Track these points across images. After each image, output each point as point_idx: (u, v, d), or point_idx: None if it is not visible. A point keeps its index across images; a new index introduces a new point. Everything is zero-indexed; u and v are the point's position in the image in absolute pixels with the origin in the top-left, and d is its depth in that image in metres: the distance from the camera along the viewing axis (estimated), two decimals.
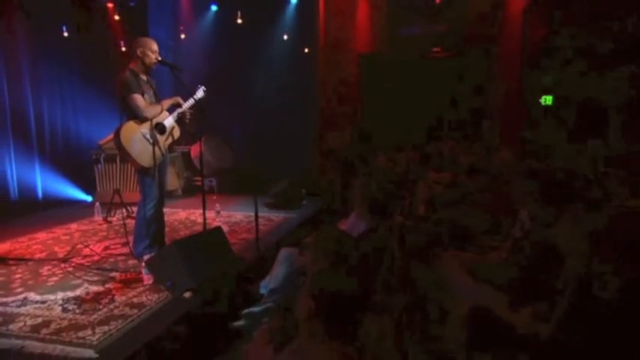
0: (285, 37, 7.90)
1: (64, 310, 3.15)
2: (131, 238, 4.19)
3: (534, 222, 2.56)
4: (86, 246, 4.56)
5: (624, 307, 1.42)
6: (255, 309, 2.90)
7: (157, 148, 3.88)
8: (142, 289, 3.51)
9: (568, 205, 2.08)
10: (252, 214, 4.34)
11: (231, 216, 5.95)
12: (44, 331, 2.84)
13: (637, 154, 4.81)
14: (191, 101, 4.13)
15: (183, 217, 6.00)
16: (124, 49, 7.04)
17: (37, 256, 4.36)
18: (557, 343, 1.51)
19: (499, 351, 1.75)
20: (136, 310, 3.14)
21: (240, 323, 2.88)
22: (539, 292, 1.87)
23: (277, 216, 6.02)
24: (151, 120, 3.89)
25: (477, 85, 7.02)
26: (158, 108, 3.98)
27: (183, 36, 8.18)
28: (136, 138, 3.84)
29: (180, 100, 4.12)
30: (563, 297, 1.59)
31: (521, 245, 2.48)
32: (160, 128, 3.99)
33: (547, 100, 6.41)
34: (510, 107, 6.81)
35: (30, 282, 3.68)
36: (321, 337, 1.56)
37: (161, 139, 3.98)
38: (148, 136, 3.87)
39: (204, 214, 4.16)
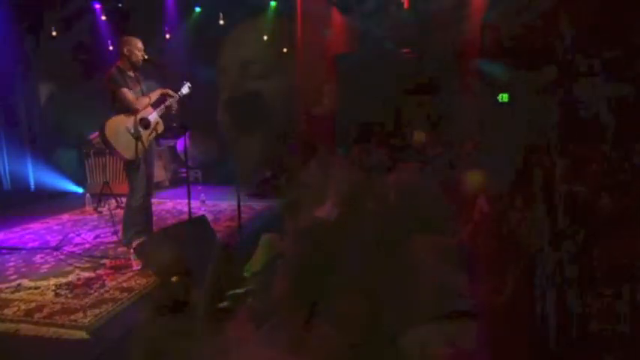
0: (265, 37, 7.82)
1: (57, 295, 3.10)
2: (120, 227, 4.13)
3: (492, 207, 2.61)
4: (77, 235, 4.48)
5: (563, 279, 1.47)
6: (239, 291, 2.89)
7: (140, 142, 3.80)
8: (131, 274, 3.47)
9: (521, 191, 2.13)
10: (236, 203, 4.32)
11: (215, 205, 5.91)
12: (38, 315, 2.79)
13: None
14: (176, 97, 4.06)
15: (170, 206, 5.93)
16: (111, 48, 6.90)
17: (30, 244, 4.27)
18: (509, 312, 1.56)
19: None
20: (125, 294, 3.10)
21: (224, 304, 2.88)
22: (495, 269, 1.92)
23: (259, 204, 5.99)
24: (136, 115, 3.82)
25: (443, 83, 7.09)
26: (146, 100, 3.90)
27: (168, 36, 8.03)
28: (120, 132, 3.76)
29: (170, 91, 4.03)
30: (514, 273, 1.64)
31: (479, 228, 2.54)
32: (145, 123, 3.91)
33: (503, 97, 6.52)
34: (472, 104, 6.91)
35: (23, 269, 3.61)
36: (299, 314, 1.58)
37: (145, 133, 3.90)
38: (132, 131, 3.79)
39: (189, 203, 4.12)
